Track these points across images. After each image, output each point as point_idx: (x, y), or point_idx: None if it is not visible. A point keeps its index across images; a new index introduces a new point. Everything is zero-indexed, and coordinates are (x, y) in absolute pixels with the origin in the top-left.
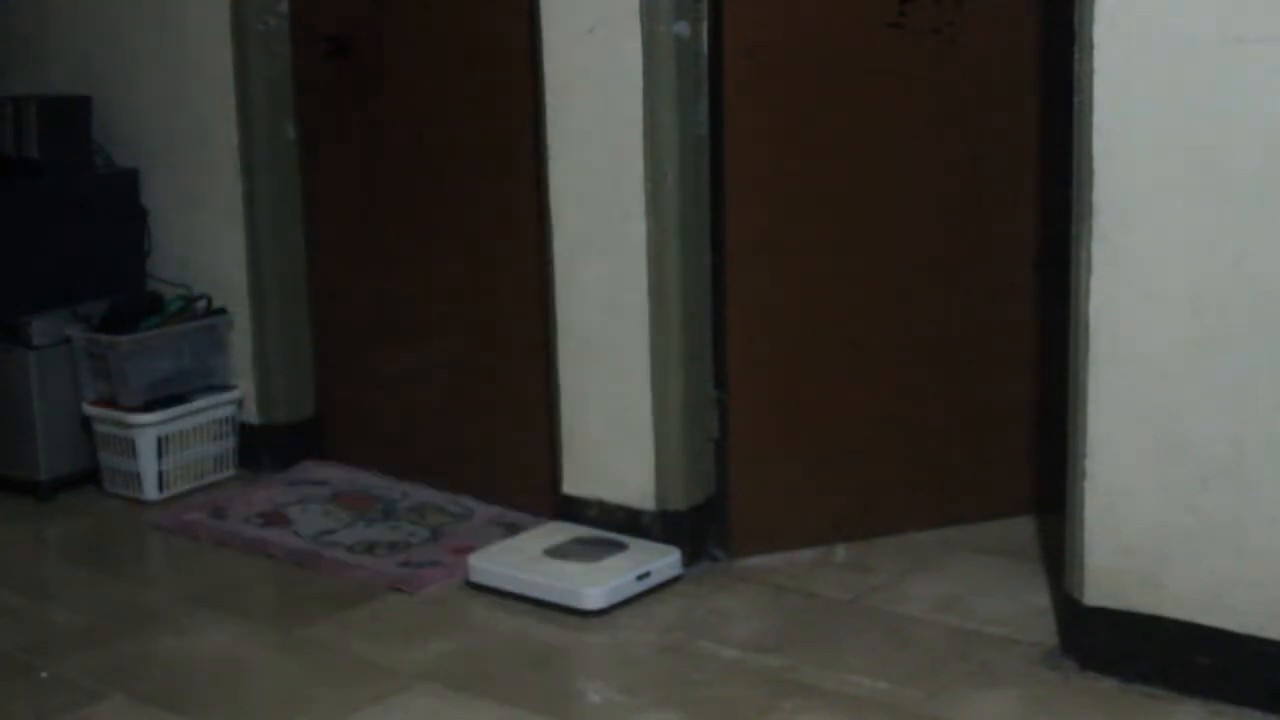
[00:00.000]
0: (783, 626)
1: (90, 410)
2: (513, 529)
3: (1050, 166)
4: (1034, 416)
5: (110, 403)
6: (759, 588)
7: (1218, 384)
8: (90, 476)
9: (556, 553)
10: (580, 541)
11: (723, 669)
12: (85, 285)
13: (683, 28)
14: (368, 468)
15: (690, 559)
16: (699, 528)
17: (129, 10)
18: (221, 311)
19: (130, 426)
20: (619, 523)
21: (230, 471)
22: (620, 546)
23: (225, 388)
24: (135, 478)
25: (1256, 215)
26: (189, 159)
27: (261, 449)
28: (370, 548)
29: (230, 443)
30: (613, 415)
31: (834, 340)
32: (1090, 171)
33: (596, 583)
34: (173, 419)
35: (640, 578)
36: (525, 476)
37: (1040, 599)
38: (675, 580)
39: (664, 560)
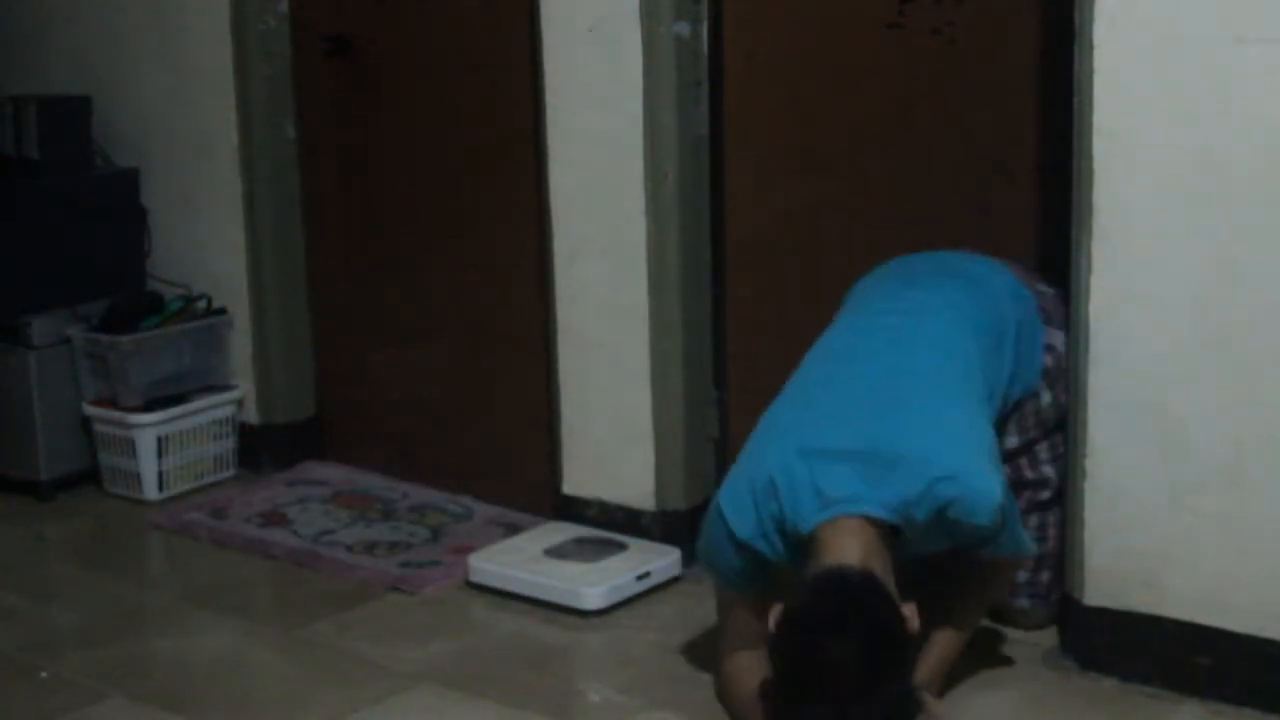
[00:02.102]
0: None
1: (90, 410)
2: (513, 529)
3: (1050, 167)
4: None
5: (110, 403)
6: None
7: (1218, 384)
8: (90, 476)
9: (556, 553)
10: (580, 541)
11: None
12: (85, 285)
13: (683, 28)
14: (368, 468)
15: (690, 559)
16: (699, 528)
17: (129, 10)
18: (221, 311)
19: (130, 426)
20: (619, 523)
21: (230, 471)
22: (620, 546)
23: (225, 388)
24: (135, 478)
25: (1257, 216)
26: (189, 159)
27: (261, 449)
28: (370, 548)
29: (230, 443)
30: (613, 415)
31: None
32: (1090, 171)
33: (596, 583)
34: (173, 419)
35: (640, 578)
36: (525, 476)
37: None
38: (675, 580)
39: (664, 560)
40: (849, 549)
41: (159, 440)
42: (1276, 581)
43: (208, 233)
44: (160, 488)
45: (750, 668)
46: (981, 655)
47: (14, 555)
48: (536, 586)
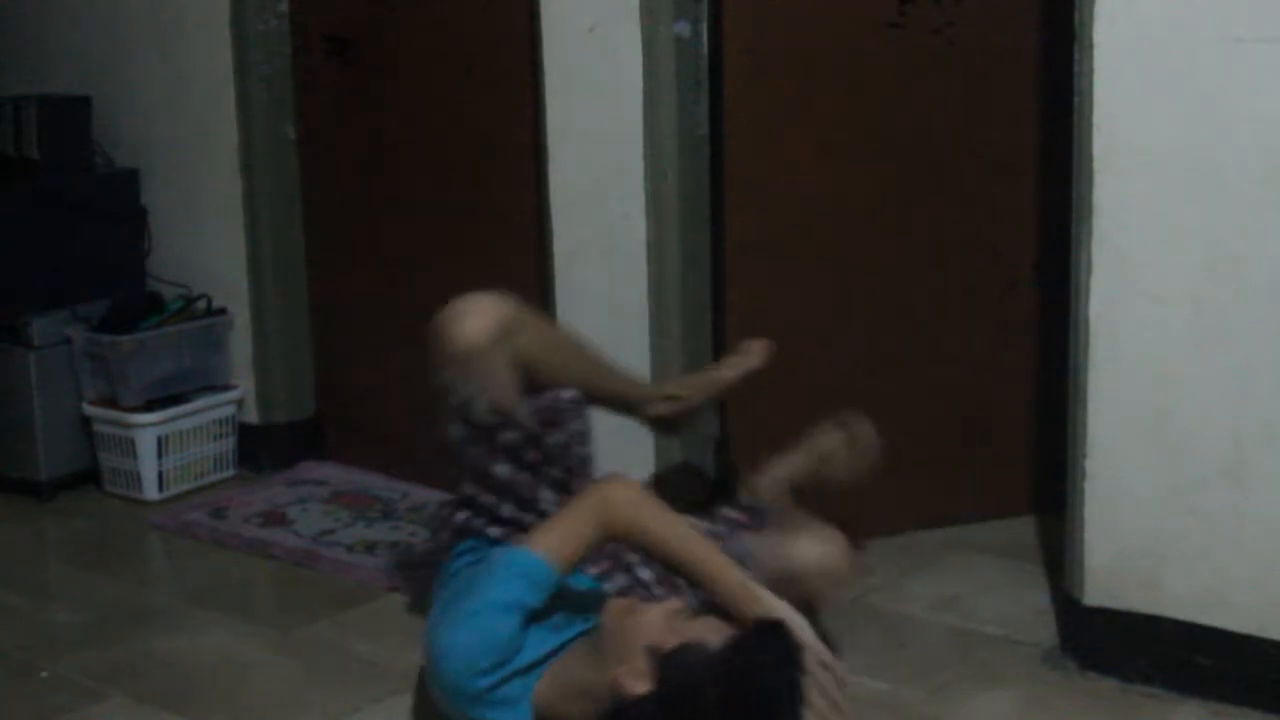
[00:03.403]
0: None
1: (90, 410)
2: None
3: (1050, 166)
4: (1034, 416)
5: (110, 403)
6: None
7: (1218, 384)
8: (90, 476)
9: None
10: None
11: None
12: (85, 285)
13: (683, 27)
14: (368, 468)
15: None
16: None
17: (129, 10)
18: (221, 311)
19: (130, 426)
20: None
21: (230, 471)
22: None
23: (225, 388)
24: (135, 478)
25: (1256, 215)
26: (189, 159)
27: (261, 449)
28: (370, 548)
29: (230, 443)
30: (613, 415)
31: (834, 340)
32: (1090, 171)
33: None
34: (173, 419)
35: None
36: None
37: (1040, 599)
38: None
39: None
40: (577, 669)
41: (159, 440)
42: (1276, 581)
43: (208, 233)
44: (160, 488)
45: None
46: (982, 655)
47: (14, 555)
48: None
